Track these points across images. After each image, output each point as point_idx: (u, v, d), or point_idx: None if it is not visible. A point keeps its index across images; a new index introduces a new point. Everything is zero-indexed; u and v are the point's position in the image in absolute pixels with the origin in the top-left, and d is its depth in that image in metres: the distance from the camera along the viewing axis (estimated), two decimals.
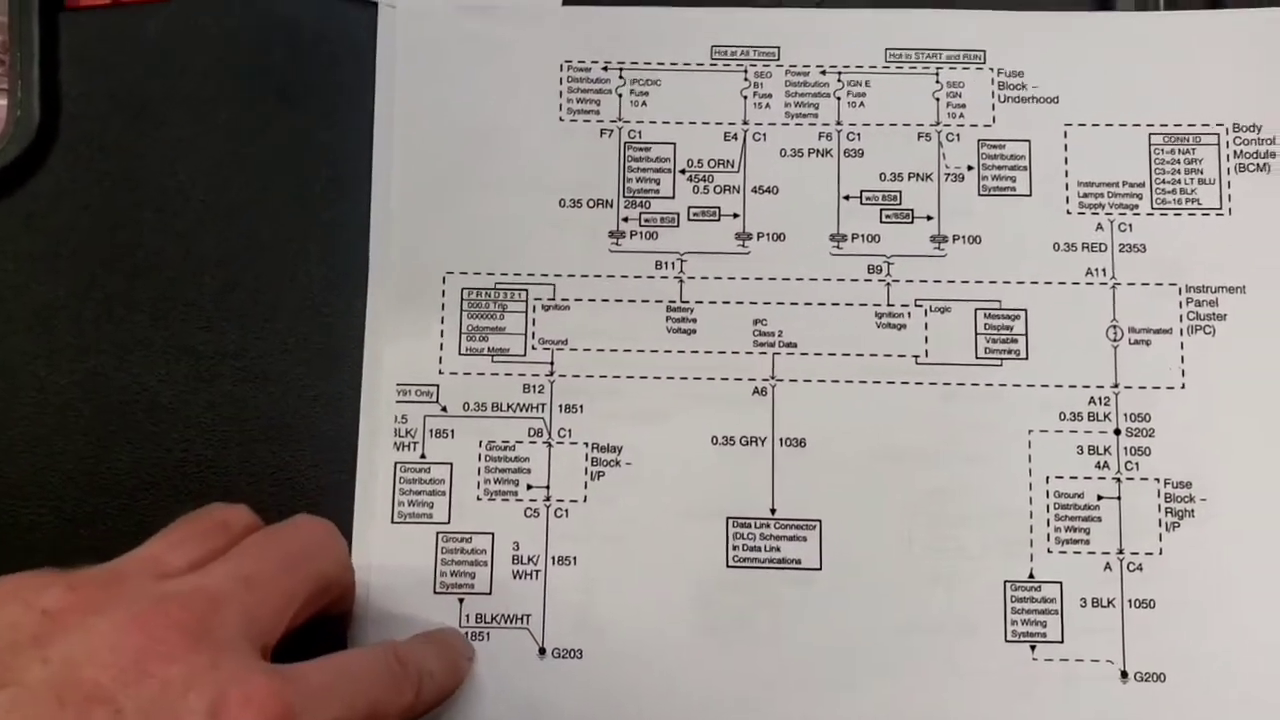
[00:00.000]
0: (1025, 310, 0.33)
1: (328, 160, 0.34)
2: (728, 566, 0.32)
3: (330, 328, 0.33)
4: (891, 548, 0.32)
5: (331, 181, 0.34)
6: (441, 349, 0.33)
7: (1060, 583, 0.32)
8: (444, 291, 0.33)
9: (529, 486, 0.33)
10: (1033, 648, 0.32)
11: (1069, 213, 0.34)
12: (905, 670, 0.32)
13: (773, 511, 0.33)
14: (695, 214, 0.34)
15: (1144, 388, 0.33)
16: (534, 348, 0.33)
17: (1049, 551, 0.32)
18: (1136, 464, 0.33)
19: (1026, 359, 0.33)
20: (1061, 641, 0.32)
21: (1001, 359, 0.33)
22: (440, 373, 0.33)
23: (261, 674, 0.24)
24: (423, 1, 0.34)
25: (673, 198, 0.34)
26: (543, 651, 0.32)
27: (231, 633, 0.24)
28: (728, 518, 0.33)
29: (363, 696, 0.26)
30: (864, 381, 0.33)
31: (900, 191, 0.34)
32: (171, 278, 0.34)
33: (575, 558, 0.32)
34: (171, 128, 0.34)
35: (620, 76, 0.34)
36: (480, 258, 0.33)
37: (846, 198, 0.34)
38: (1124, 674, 0.32)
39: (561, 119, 0.34)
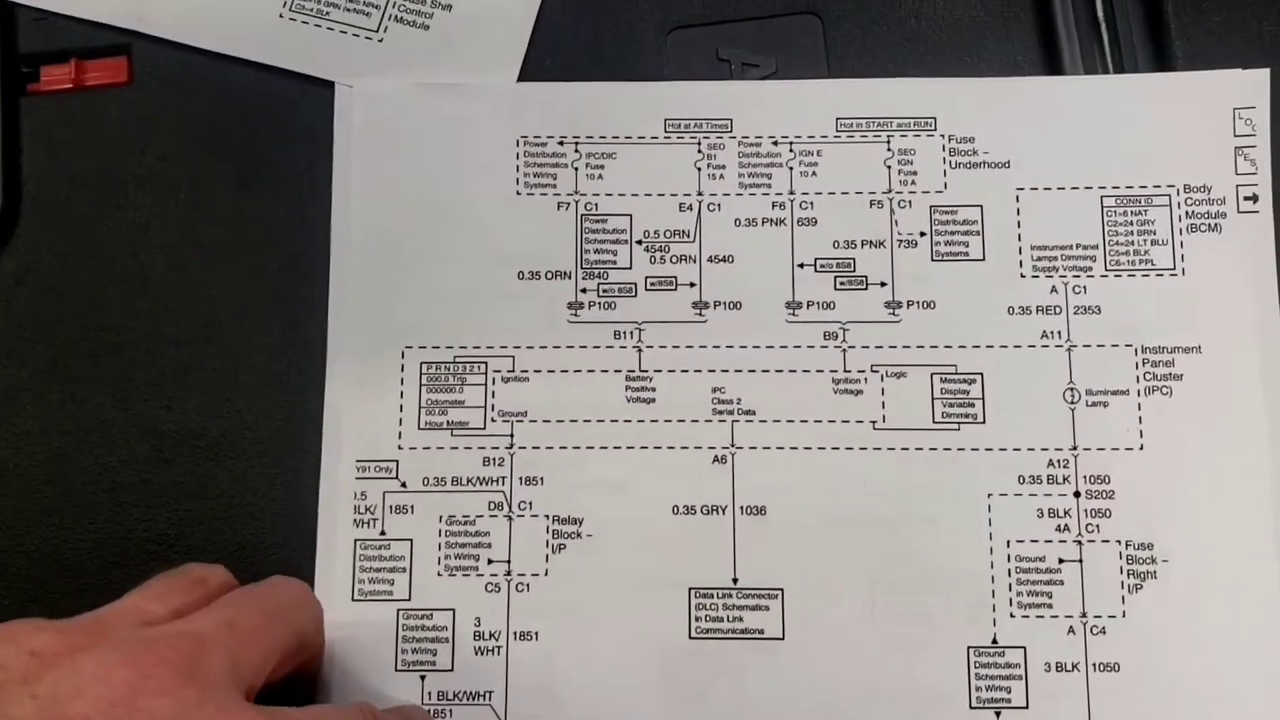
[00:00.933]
0: (981, 374, 0.33)
1: (286, 238, 0.34)
2: (690, 637, 0.32)
3: (290, 405, 0.34)
4: (854, 615, 0.32)
5: (290, 259, 0.34)
6: (400, 424, 0.33)
7: (1024, 647, 0.32)
8: (403, 365, 0.33)
9: (490, 561, 0.33)
10: (998, 714, 0.32)
11: (1023, 276, 0.34)
12: None
13: (734, 581, 0.33)
14: (652, 284, 0.34)
15: (1102, 449, 0.33)
16: (493, 420, 0.33)
17: (1012, 616, 0.32)
18: (1097, 526, 0.33)
19: (984, 423, 0.33)
20: (1026, 707, 0.32)
21: (959, 423, 0.33)
22: (400, 448, 0.33)
23: (247, 712, 0.24)
24: (379, 81, 0.35)
25: (630, 268, 0.34)
26: None
27: (218, 674, 0.25)
28: (690, 588, 0.33)
29: None
30: (822, 448, 0.33)
31: (854, 259, 0.34)
32: (134, 358, 0.34)
33: (537, 632, 0.32)
34: (133, 210, 0.35)
35: (576, 150, 0.35)
36: (439, 331, 0.34)
37: (801, 265, 0.34)
38: None
39: (519, 192, 0.34)
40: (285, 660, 0.28)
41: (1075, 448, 0.33)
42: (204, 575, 0.29)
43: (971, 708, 0.32)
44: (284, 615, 0.29)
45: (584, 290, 0.34)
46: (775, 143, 0.35)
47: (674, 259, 0.34)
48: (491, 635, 0.32)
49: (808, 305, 0.34)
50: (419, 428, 0.33)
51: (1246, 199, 0.34)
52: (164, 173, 0.35)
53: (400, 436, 0.33)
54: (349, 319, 0.34)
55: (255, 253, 0.34)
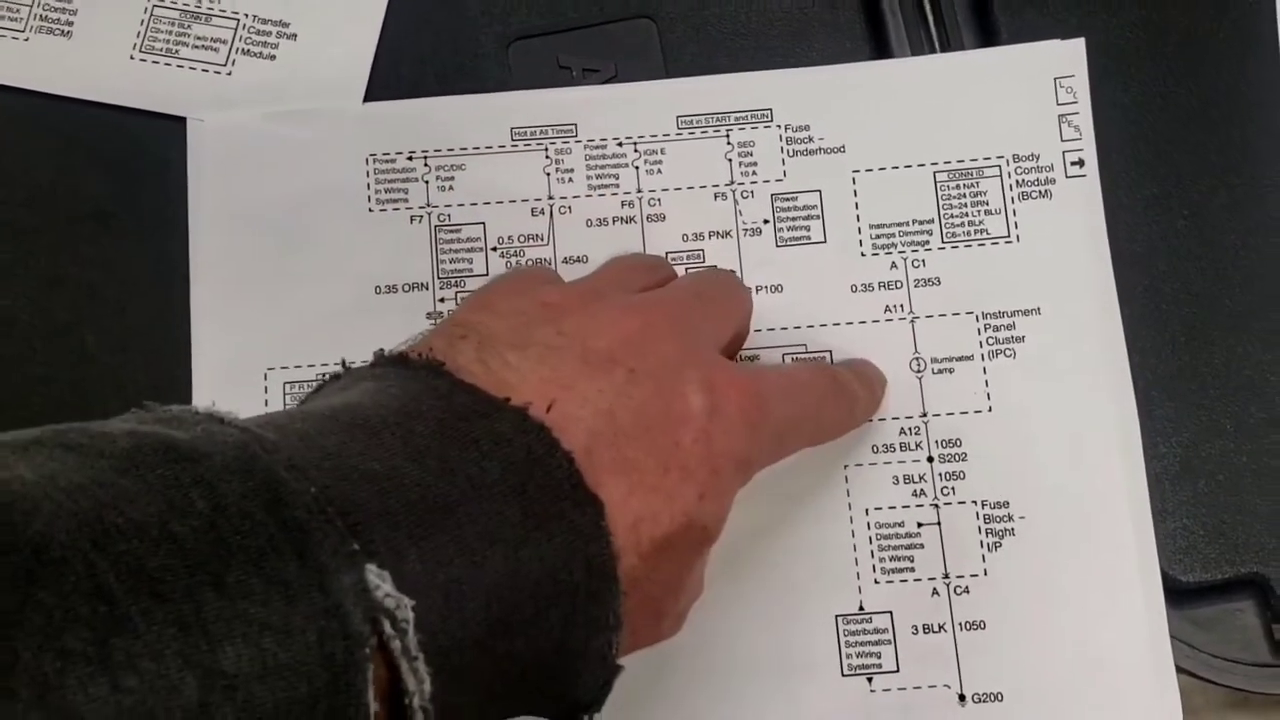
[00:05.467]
0: (830, 351, 0.34)
1: (149, 273, 0.35)
2: None
3: None
4: (722, 591, 0.33)
5: (154, 293, 0.35)
6: None
7: (890, 612, 0.33)
8: (266, 388, 0.34)
9: None
10: (870, 679, 0.33)
11: (864, 255, 0.35)
12: (748, 713, 0.32)
13: None
14: None
15: (952, 414, 0.34)
16: None
17: (876, 582, 0.33)
18: (953, 488, 0.34)
19: None
20: (897, 670, 0.33)
21: None
22: None
23: (733, 364, 0.27)
24: (229, 113, 0.36)
25: (486, 274, 0.35)
26: None
27: (703, 333, 0.27)
28: None
29: (812, 405, 0.29)
30: None
31: (703, 250, 0.35)
32: (3, 400, 0.34)
33: None
34: None
35: (425, 164, 0.35)
36: (300, 351, 0.34)
37: None
38: (961, 697, 0.33)
39: (371, 209, 0.35)
40: (733, 340, 0.30)
41: (925, 414, 0.34)
42: (660, 261, 0.32)
43: (844, 675, 0.33)
44: (735, 295, 0.31)
45: (442, 300, 0.35)
46: (620, 144, 0.36)
47: (529, 263, 0.35)
48: None
49: None
50: None
51: (1073, 164, 0.35)
52: (24, 218, 0.36)
53: None
54: (211, 347, 0.34)
55: (119, 290, 0.35)
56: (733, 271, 0.34)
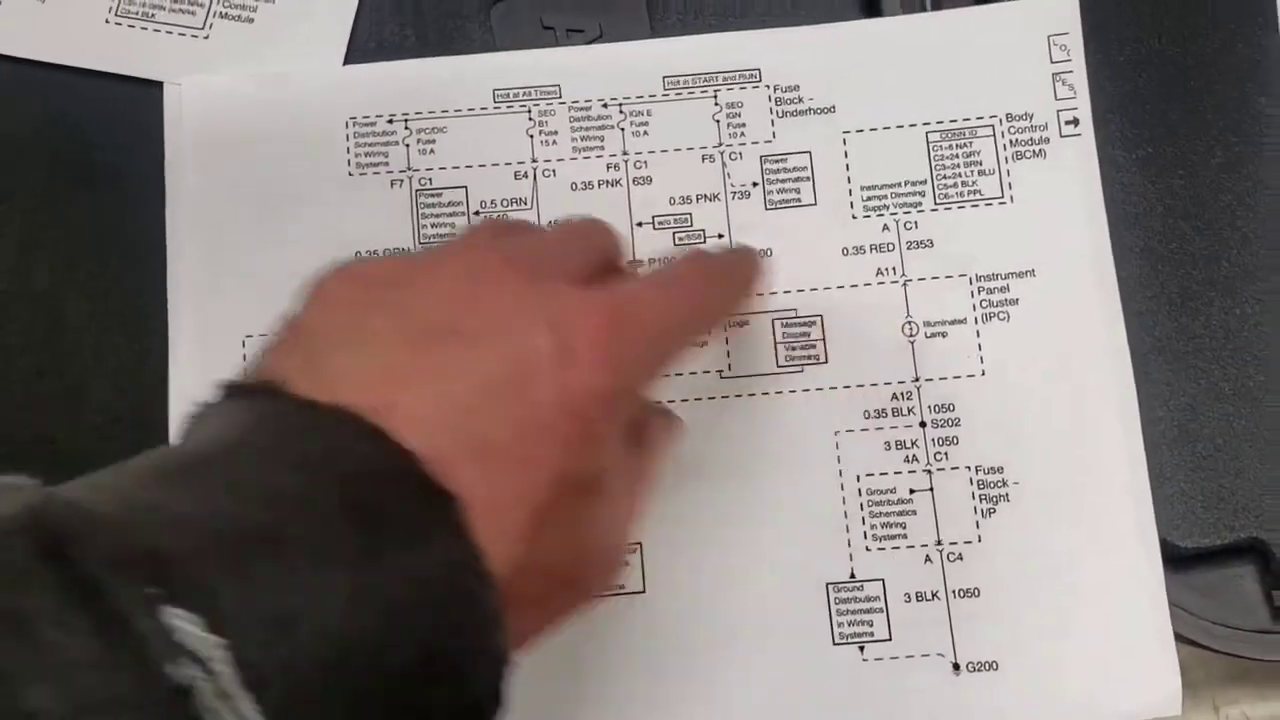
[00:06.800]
0: (821, 316, 0.34)
1: (127, 239, 0.34)
2: None
3: (139, 404, 0.34)
4: (712, 561, 0.32)
5: (131, 259, 0.34)
6: None
7: (882, 580, 0.32)
8: (244, 355, 0.33)
9: None
10: (861, 648, 0.32)
11: (854, 217, 0.34)
12: (737, 682, 0.32)
13: None
14: None
15: (945, 379, 0.33)
16: None
17: (867, 549, 0.33)
18: (945, 454, 0.33)
19: (826, 363, 0.33)
20: (890, 639, 0.32)
21: (802, 365, 0.33)
22: None
23: (582, 290, 0.24)
24: (205, 77, 0.35)
25: None
26: None
27: (545, 264, 0.25)
28: None
29: (683, 297, 0.26)
30: (673, 400, 0.33)
31: (690, 214, 0.34)
32: None
33: None
34: None
35: (406, 127, 0.35)
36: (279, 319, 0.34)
37: (640, 224, 0.34)
38: (956, 666, 0.32)
39: (350, 174, 0.35)
40: (598, 268, 0.27)
41: (918, 379, 0.33)
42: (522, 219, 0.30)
43: (835, 644, 0.32)
44: (589, 223, 0.28)
45: None
46: (605, 105, 0.35)
47: None
48: None
49: (649, 263, 0.34)
50: None
51: (1068, 123, 0.34)
52: (2, 183, 0.35)
53: None
54: (188, 315, 0.34)
55: (97, 256, 0.35)
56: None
